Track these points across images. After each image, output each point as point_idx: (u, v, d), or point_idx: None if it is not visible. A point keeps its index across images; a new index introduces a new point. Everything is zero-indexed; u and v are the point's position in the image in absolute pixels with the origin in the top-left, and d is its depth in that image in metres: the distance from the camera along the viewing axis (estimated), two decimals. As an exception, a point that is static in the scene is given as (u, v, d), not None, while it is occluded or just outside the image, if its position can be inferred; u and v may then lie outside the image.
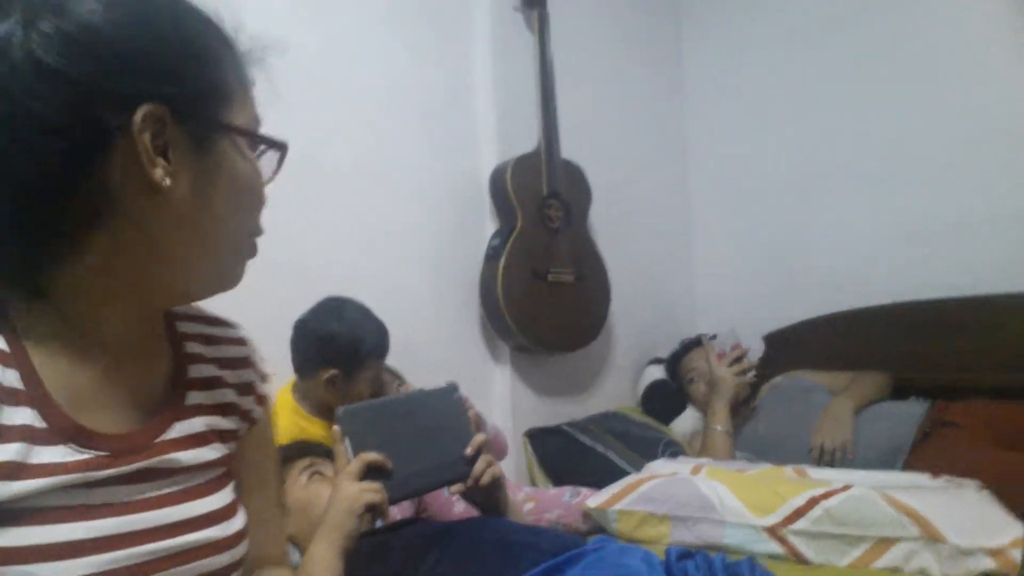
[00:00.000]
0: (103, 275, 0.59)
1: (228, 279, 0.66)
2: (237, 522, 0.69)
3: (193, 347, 0.72)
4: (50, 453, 0.56)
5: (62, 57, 0.52)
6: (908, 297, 2.24)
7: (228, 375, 0.74)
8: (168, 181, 0.56)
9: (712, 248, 2.85)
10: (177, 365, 0.69)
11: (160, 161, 0.56)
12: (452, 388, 1.11)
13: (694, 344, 2.35)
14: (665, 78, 2.86)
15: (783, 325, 2.49)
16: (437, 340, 2.05)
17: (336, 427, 0.98)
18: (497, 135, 2.23)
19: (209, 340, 0.74)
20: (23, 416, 0.56)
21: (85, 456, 0.58)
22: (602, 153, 2.44)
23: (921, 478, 1.55)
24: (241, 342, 0.77)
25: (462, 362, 2.08)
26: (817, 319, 2.45)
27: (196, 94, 0.59)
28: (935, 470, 1.58)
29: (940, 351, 2.14)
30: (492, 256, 2.10)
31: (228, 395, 0.73)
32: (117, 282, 0.60)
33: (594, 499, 1.62)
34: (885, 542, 1.32)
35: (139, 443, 0.62)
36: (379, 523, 1.01)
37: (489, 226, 2.21)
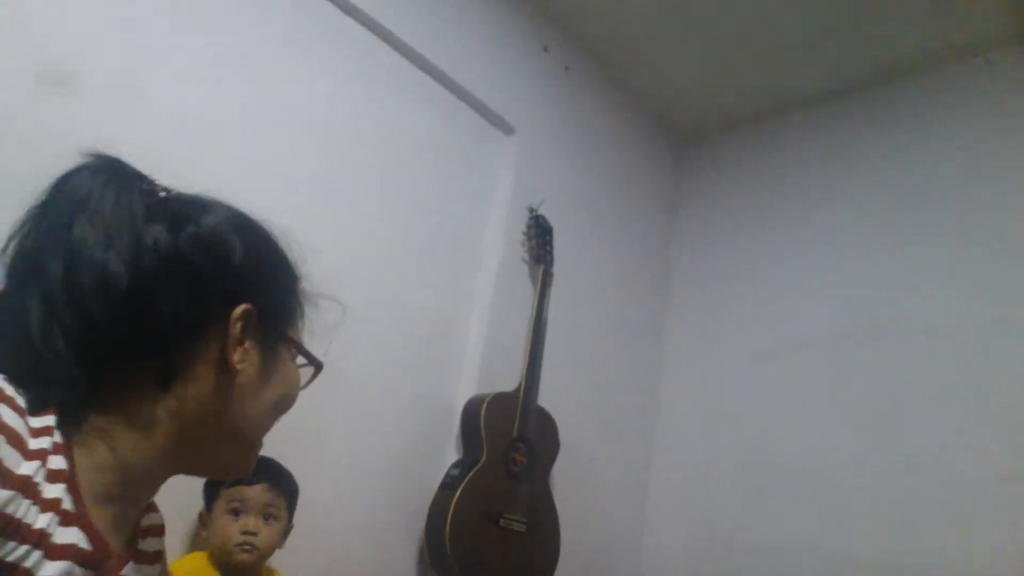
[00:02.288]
0: (155, 431, 0.66)
1: (248, 467, 0.75)
2: None
3: (147, 519, 0.78)
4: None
5: (196, 254, 0.68)
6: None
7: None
8: (241, 365, 0.69)
9: (665, 534, 2.75)
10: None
11: (239, 348, 0.69)
12: None
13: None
14: (646, 361, 2.97)
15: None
16: (367, 561, 1.90)
17: None
18: (480, 368, 2.26)
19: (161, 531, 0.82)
20: (71, 536, 0.59)
21: None
22: (575, 411, 2.46)
23: None
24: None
25: (390, 592, 1.91)
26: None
27: (277, 306, 0.75)
28: None
29: None
30: (448, 485, 2.02)
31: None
32: (163, 440, 0.67)
33: None
34: None
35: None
36: None
37: (451, 455, 2.15)
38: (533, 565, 2.14)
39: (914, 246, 2.50)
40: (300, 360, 0.78)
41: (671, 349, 3.04)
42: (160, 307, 0.65)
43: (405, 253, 2.17)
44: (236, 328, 0.68)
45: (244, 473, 0.75)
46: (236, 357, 0.68)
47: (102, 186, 0.66)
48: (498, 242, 2.43)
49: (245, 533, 1.39)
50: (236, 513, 1.40)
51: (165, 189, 0.72)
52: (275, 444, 1.69)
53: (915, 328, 2.40)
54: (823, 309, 2.64)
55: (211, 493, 1.44)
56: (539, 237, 2.48)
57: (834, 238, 2.72)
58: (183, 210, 0.70)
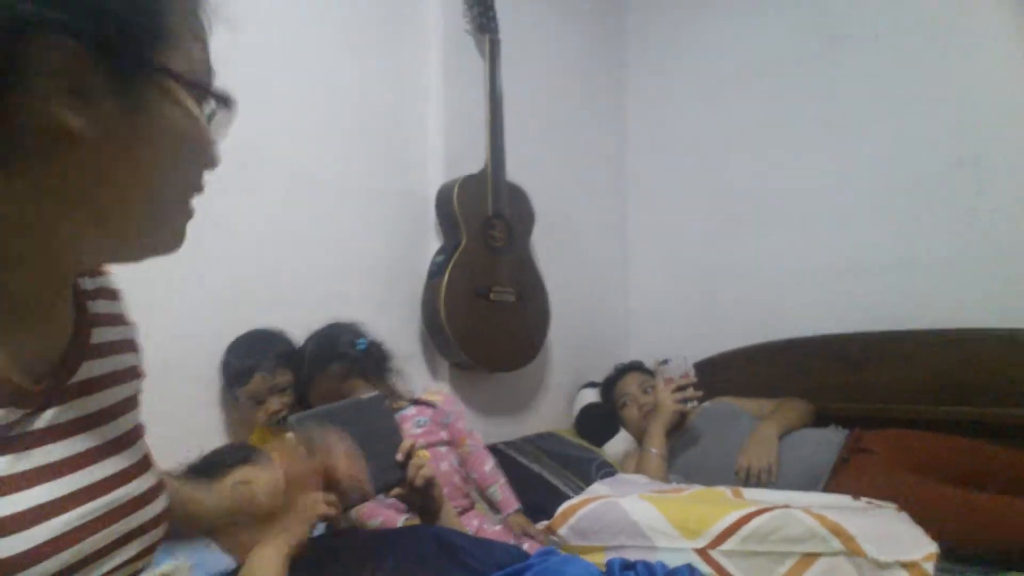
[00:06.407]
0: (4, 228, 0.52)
1: (162, 241, 0.59)
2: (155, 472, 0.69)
3: (97, 306, 0.67)
4: None
5: None
6: (828, 331, 2.37)
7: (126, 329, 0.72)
8: (82, 125, 0.50)
9: (646, 276, 2.94)
10: (78, 327, 0.64)
11: (73, 102, 0.49)
12: (381, 397, 1.16)
13: (628, 369, 2.41)
14: (608, 110, 2.96)
15: (712, 353, 2.58)
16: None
17: (289, 435, 0.98)
18: (445, 153, 2.25)
19: (114, 295, 0.71)
20: None
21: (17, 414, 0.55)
22: (545, 178, 2.50)
23: (843, 499, 1.63)
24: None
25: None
26: (744, 348, 2.55)
27: (123, 29, 0.51)
28: (855, 493, 1.66)
29: (857, 382, 2.26)
30: (435, 272, 2.11)
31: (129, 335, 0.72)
32: (21, 237, 0.53)
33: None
34: (809, 557, 1.38)
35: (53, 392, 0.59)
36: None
37: (433, 243, 2.22)
38: (528, 328, 2.30)
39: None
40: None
41: (632, 93, 3.01)
42: None
43: (345, 51, 2.07)
44: (57, 75, 0.48)
45: (167, 247, 0.60)
46: (69, 116, 0.49)
47: None
48: (438, 18, 2.29)
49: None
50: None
51: None
52: (261, 260, 1.78)
53: (863, 41, 2.38)
54: (777, 33, 2.60)
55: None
56: (480, 4, 2.34)
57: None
58: None
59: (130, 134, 0.52)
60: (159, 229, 0.59)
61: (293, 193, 1.90)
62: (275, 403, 1.66)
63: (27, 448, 0.56)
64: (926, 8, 2.25)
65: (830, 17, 2.46)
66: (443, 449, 1.75)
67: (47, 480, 0.56)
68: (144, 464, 0.68)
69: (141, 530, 0.65)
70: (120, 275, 0.68)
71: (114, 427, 0.65)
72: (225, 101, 0.58)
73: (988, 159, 2.13)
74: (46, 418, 0.58)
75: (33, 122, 0.48)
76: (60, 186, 0.51)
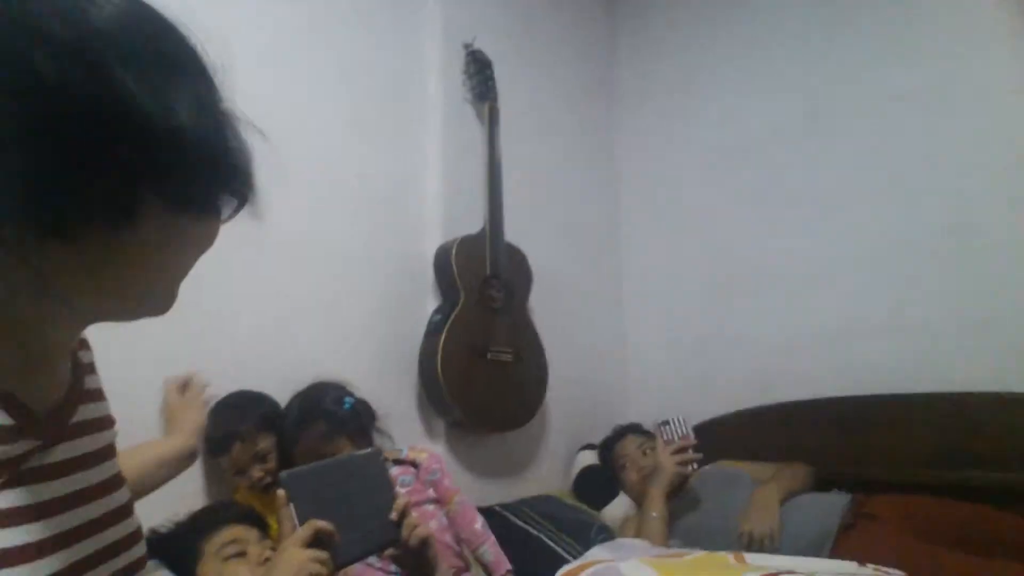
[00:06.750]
0: (50, 288, 0.56)
1: (161, 309, 0.65)
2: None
3: (84, 355, 0.72)
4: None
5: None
6: (826, 395, 2.35)
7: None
8: (144, 216, 0.55)
9: (644, 339, 2.93)
10: (74, 373, 0.69)
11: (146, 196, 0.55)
12: (377, 452, 1.14)
13: (626, 431, 2.38)
14: (604, 176, 3.01)
15: (710, 416, 2.56)
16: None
17: (280, 491, 0.97)
18: (443, 216, 2.28)
19: (88, 345, 0.75)
20: None
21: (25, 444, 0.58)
22: (543, 242, 2.52)
23: (850, 565, 1.58)
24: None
25: (397, 435, 2.02)
26: (743, 411, 2.52)
27: (196, 178, 0.57)
28: (860, 559, 1.62)
29: (857, 447, 2.23)
30: (433, 331, 2.11)
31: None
32: (53, 303, 0.58)
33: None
34: (817, 624, 1.34)
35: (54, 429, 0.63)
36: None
37: (431, 302, 2.23)
38: (526, 389, 2.28)
39: (846, 25, 2.49)
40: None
41: (626, 165, 3.07)
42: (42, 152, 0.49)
43: (350, 118, 2.12)
44: (146, 175, 0.53)
45: (163, 313, 0.64)
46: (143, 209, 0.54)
47: None
48: (439, 86, 2.36)
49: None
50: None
51: None
52: (257, 318, 1.78)
53: (849, 112, 2.45)
54: (764, 107, 2.66)
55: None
56: (479, 73, 2.41)
57: (772, 32, 2.69)
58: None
59: (172, 233, 0.58)
60: (165, 302, 0.64)
61: (292, 253, 1.91)
62: (257, 472, 1.61)
63: (35, 482, 0.59)
64: (912, 80, 2.32)
65: (817, 90, 2.53)
66: (430, 508, 1.72)
67: (50, 515, 0.59)
68: (125, 511, 0.70)
69: (121, 573, 0.67)
70: (112, 332, 0.70)
71: (100, 471, 0.68)
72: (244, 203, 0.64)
73: (981, 224, 2.16)
74: (54, 454, 0.61)
75: (110, 202, 0.53)
76: (99, 263, 0.56)
